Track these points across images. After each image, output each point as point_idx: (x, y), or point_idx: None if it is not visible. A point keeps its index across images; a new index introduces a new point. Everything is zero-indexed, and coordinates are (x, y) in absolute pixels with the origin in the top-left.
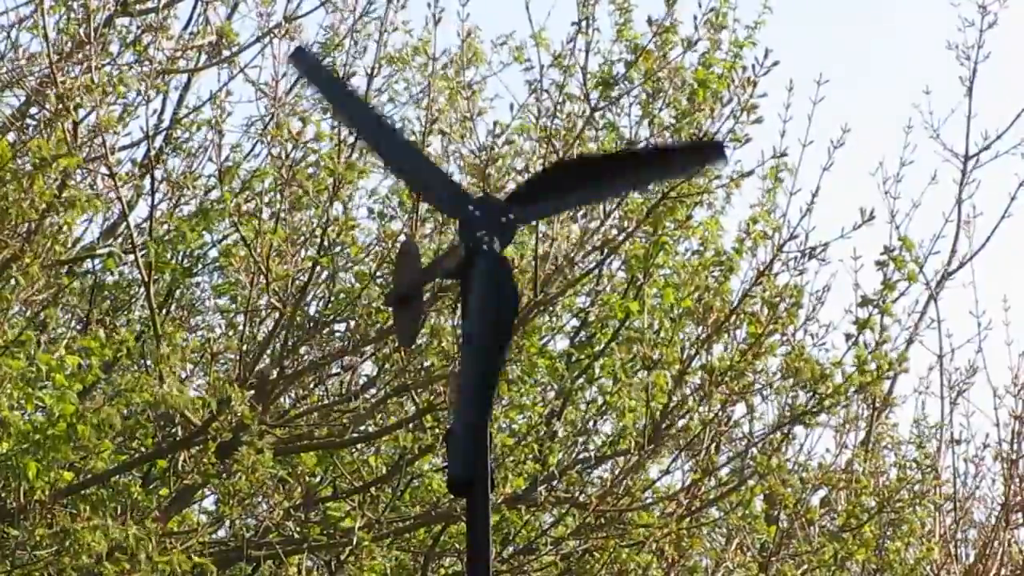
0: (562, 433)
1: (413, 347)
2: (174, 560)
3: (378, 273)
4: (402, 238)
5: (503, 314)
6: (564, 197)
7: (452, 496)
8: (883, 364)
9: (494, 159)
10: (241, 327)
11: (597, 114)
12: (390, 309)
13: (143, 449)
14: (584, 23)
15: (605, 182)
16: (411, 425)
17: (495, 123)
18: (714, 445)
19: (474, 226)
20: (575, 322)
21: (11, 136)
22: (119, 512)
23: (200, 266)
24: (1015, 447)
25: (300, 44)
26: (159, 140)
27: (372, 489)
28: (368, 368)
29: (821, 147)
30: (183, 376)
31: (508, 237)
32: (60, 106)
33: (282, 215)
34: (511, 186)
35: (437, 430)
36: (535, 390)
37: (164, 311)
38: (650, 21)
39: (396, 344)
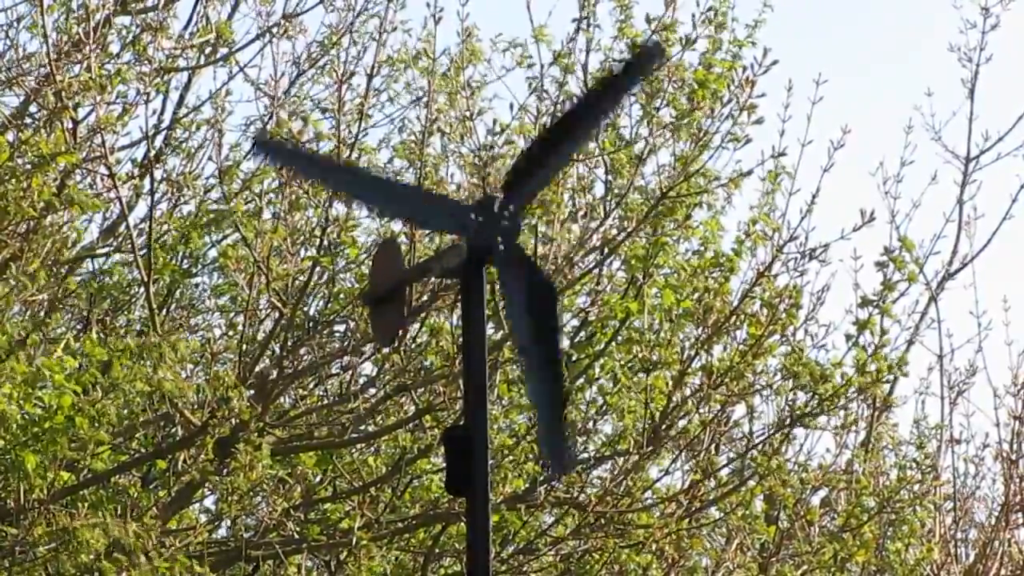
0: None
1: (408, 346)
2: (176, 569)
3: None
4: (389, 237)
5: (544, 302)
6: (546, 163)
7: (451, 496)
8: (883, 367)
9: (494, 159)
10: (241, 327)
11: None
12: (367, 309)
13: (142, 449)
14: (585, 21)
15: (574, 130)
16: (411, 425)
17: (495, 121)
18: (714, 446)
19: (479, 231)
20: (575, 322)
21: (10, 135)
22: (118, 512)
23: (200, 266)
24: (1015, 447)
25: (255, 136)
26: (159, 140)
27: (372, 489)
28: (368, 368)
29: (821, 147)
30: (184, 376)
31: (515, 229)
32: (59, 104)
33: (282, 215)
34: None
35: (436, 430)
36: None
37: (164, 311)
38: (648, 19)
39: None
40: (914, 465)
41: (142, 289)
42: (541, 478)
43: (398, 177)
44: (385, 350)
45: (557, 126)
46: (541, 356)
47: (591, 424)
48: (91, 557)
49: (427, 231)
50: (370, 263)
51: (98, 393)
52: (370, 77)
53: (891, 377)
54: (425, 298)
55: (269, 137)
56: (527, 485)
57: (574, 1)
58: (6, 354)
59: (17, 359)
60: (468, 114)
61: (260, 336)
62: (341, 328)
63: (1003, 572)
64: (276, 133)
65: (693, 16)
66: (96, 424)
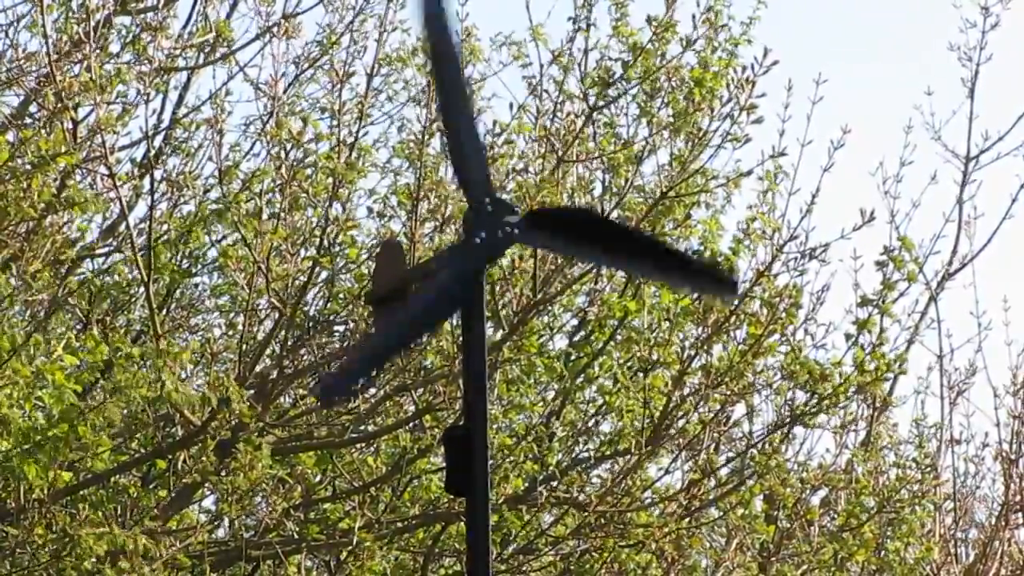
0: (561, 433)
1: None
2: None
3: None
4: (391, 237)
5: (443, 304)
6: (570, 244)
7: (451, 496)
8: (882, 365)
9: (494, 159)
10: (241, 327)
11: (595, 114)
12: (369, 308)
13: (143, 449)
14: (582, 19)
15: (615, 255)
16: (410, 425)
17: (494, 122)
18: (713, 445)
19: (479, 218)
20: (574, 322)
21: (10, 135)
22: (118, 512)
23: (200, 266)
24: (1015, 447)
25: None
26: (158, 140)
27: (372, 489)
28: None
29: (821, 147)
30: (183, 376)
31: (503, 245)
32: (59, 105)
33: (282, 215)
34: (511, 186)
35: (436, 430)
36: (534, 390)
37: (164, 311)
38: (649, 20)
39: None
40: (914, 465)
41: (142, 289)
42: (542, 476)
43: (396, 176)
44: None
45: (610, 227)
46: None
47: (591, 424)
48: (93, 562)
49: (425, 236)
50: (373, 264)
51: (100, 395)
52: (370, 77)
53: (891, 375)
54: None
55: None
56: (527, 485)
57: (573, 1)
58: (9, 355)
59: (20, 362)
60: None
61: (260, 336)
62: (341, 328)
63: (1003, 572)
64: (276, 134)
65: (693, 16)
66: (99, 430)
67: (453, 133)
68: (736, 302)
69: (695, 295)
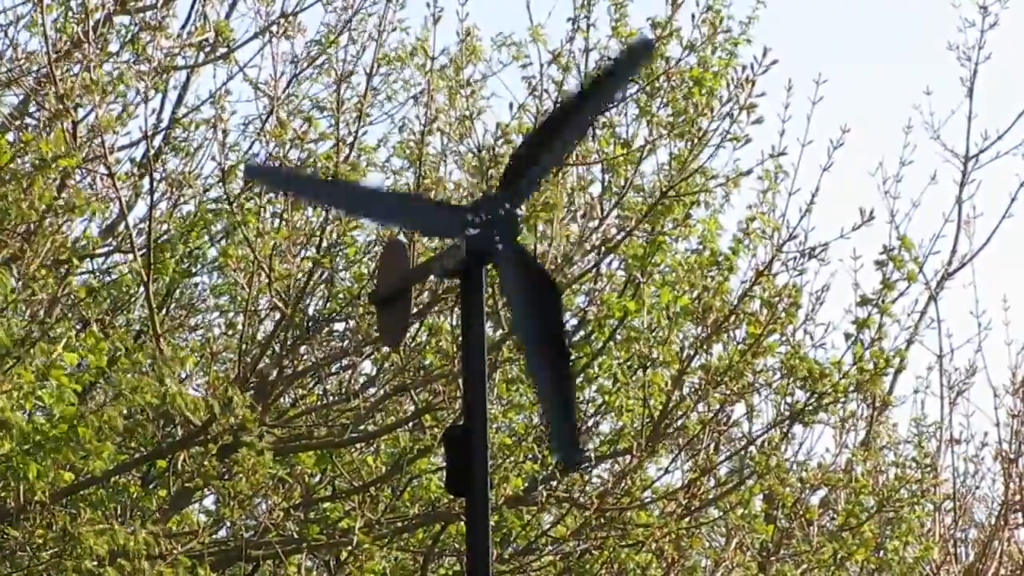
0: None
1: (408, 346)
2: (179, 571)
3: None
4: (396, 237)
5: (547, 298)
6: (540, 161)
7: (451, 496)
8: (880, 361)
9: (496, 160)
10: (241, 327)
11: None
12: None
13: (143, 450)
14: (581, 19)
15: (566, 127)
16: (410, 425)
17: (497, 124)
18: (713, 445)
19: (479, 235)
20: (574, 321)
21: (10, 136)
22: (118, 512)
23: (200, 266)
24: (1014, 447)
25: (246, 166)
26: (158, 140)
27: (372, 489)
28: (368, 368)
29: (821, 147)
30: (183, 376)
31: (514, 227)
32: (59, 105)
33: (283, 215)
34: None
35: (436, 430)
36: (534, 390)
37: (164, 311)
38: (654, 24)
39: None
40: (913, 464)
41: (142, 289)
42: (542, 477)
43: (396, 176)
44: (385, 350)
45: (549, 123)
46: (549, 353)
47: (590, 423)
48: (94, 563)
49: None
50: (377, 264)
51: (100, 397)
52: (369, 76)
53: (890, 371)
54: (425, 298)
55: (260, 164)
56: (527, 485)
57: (572, 1)
58: (15, 360)
59: (24, 367)
60: (468, 114)
61: (260, 336)
62: (341, 328)
63: (1002, 572)
64: (277, 134)
65: (693, 17)
66: (101, 435)
67: (389, 219)
68: (736, 302)
69: (632, 76)
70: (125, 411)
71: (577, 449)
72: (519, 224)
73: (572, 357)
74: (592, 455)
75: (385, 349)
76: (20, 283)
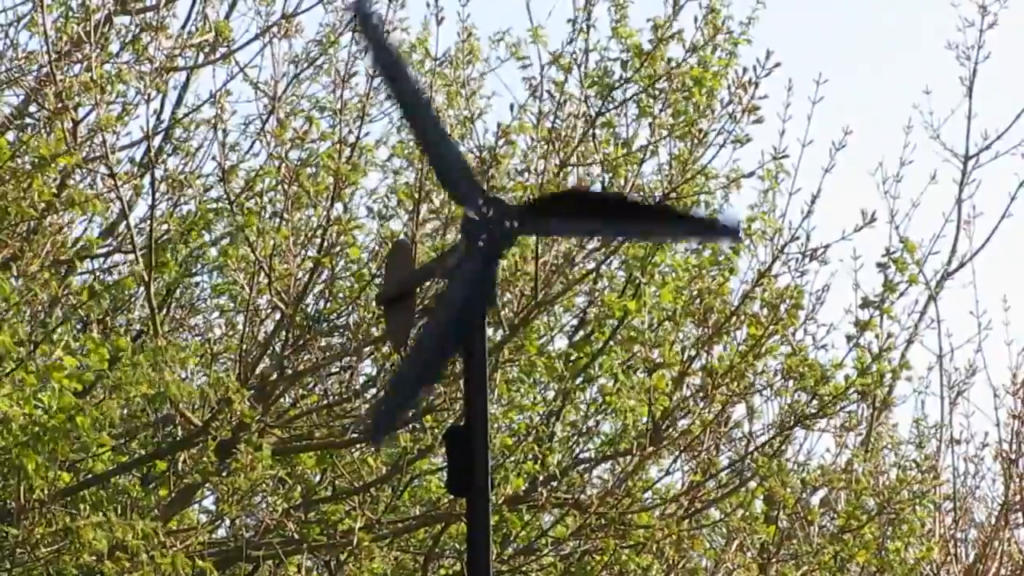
0: (561, 433)
1: (409, 347)
2: (176, 562)
3: (377, 273)
4: (402, 237)
5: (465, 315)
6: (571, 224)
7: (452, 496)
8: (883, 368)
9: (498, 160)
10: (241, 327)
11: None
12: (380, 309)
13: (143, 450)
14: (581, 20)
15: (614, 222)
16: (410, 425)
17: (498, 125)
18: (714, 446)
19: (479, 223)
20: (574, 322)
21: (10, 135)
22: (118, 512)
23: (200, 266)
24: (1015, 447)
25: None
26: (158, 139)
27: (372, 489)
28: (368, 368)
29: (821, 147)
30: (183, 376)
31: (508, 242)
32: (59, 105)
33: (284, 215)
34: (510, 185)
35: (437, 430)
36: (534, 390)
37: (164, 311)
38: (656, 26)
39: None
40: (914, 465)
41: (142, 289)
42: (542, 477)
43: (396, 176)
44: (386, 350)
45: (608, 200)
46: (443, 335)
47: (591, 424)
48: (93, 558)
49: (425, 230)
50: (375, 264)
51: (100, 393)
52: (370, 76)
53: (893, 380)
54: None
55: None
56: (527, 485)
57: (572, 2)
58: (16, 363)
59: (27, 369)
60: (468, 114)
61: (261, 336)
62: (342, 328)
63: (1003, 572)
64: (279, 134)
65: (695, 19)
66: (99, 427)
67: (428, 147)
68: (737, 303)
69: (700, 243)
70: (124, 406)
71: (384, 432)
72: (513, 240)
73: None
74: (591, 455)
75: (386, 349)
76: (20, 283)
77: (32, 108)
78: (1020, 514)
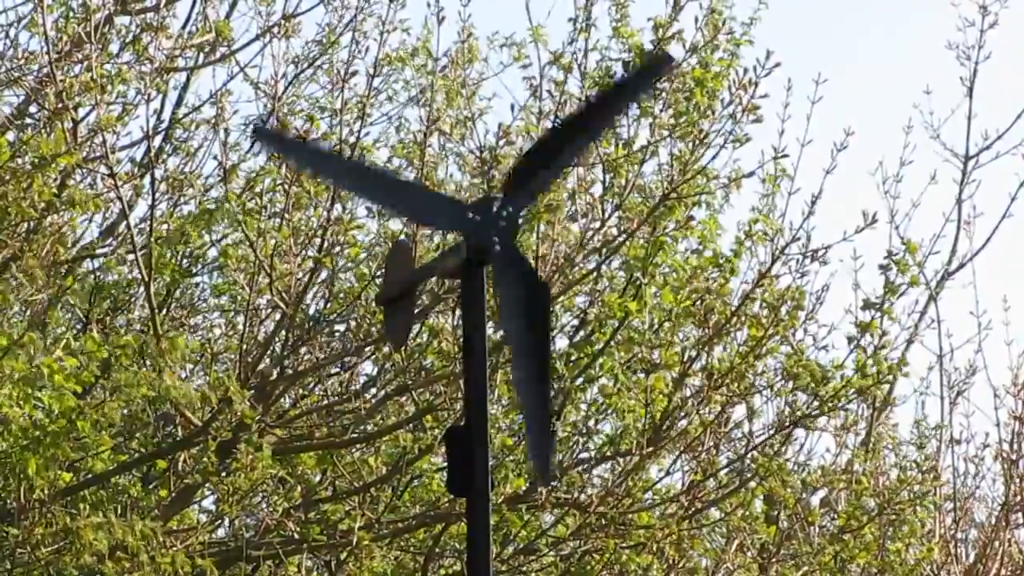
0: (562, 433)
1: (408, 347)
2: (176, 560)
3: (378, 273)
4: (402, 238)
5: (537, 306)
6: (547, 167)
7: (452, 496)
8: (883, 368)
9: (498, 160)
10: (241, 327)
11: None
12: (380, 309)
13: (143, 449)
14: (582, 20)
15: (576, 136)
16: (411, 425)
17: (499, 125)
18: (714, 446)
19: (478, 231)
20: (574, 322)
21: (10, 135)
22: (118, 512)
23: (200, 266)
24: (1015, 447)
25: (254, 126)
26: (158, 139)
27: (372, 489)
28: (368, 368)
29: (820, 146)
30: (183, 376)
31: (513, 230)
32: (60, 105)
33: (284, 215)
34: None
35: (437, 430)
36: None
37: (164, 311)
38: (657, 27)
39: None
40: (914, 465)
41: (142, 289)
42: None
43: (398, 174)
44: (386, 350)
45: (559, 130)
46: (531, 357)
47: (591, 424)
48: (93, 558)
49: (427, 229)
50: (383, 264)
51: (100, 394)
52: (371, 76)
53: (890, 378)
54: (425, 300)
55: (270, 128)
56: (527, 485)
57: (572, 1)
58: (3, 352)
59: (16, 358)
60: (468, 114)
61: (261, 336)
62: (341, 328)
63: (1003, 572)
64: (280, 133)
65: (696, 19)
66: (99, 428)
67: (393, 203)
68: (737, 304)
69: (648, 91)
70: (124, 407)
71: (549, 466)
72: (518, 228)
73: (565, 362)
74: (590, 455)
75: (386, 349)
76: (18, 283)
77: (32, 108)
78: (1020, 514)
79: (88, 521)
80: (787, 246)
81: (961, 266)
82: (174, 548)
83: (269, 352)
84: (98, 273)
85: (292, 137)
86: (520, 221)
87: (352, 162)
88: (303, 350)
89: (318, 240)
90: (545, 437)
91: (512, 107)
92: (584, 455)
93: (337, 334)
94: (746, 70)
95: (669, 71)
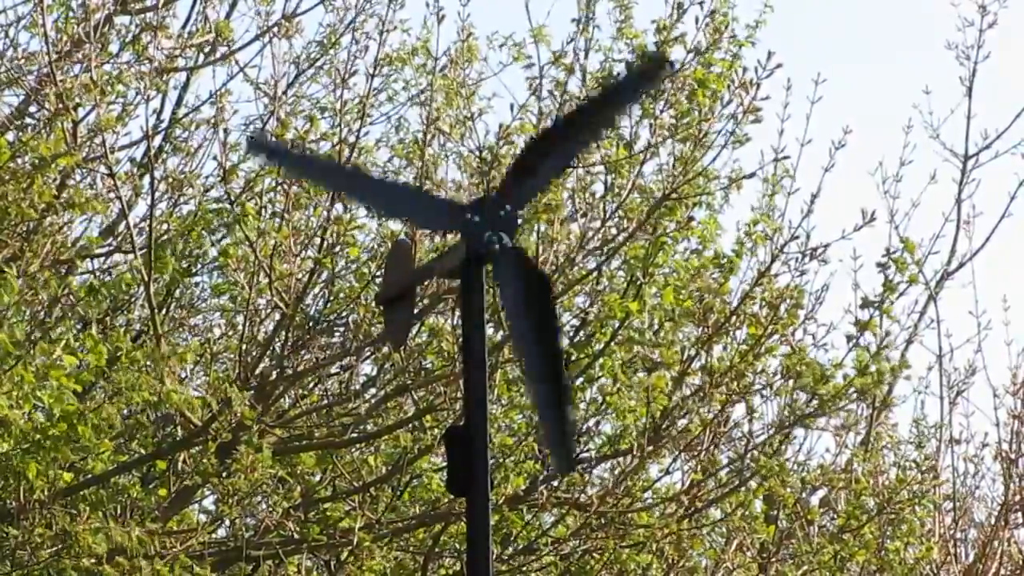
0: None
1: (408, 347)
2: (176, 570)
3: (377, 273)
4: (402, 237)
5: (542, 301)
6: (545, 166)
7: (452, 496)
8: (883, 368)
9: (499, 160)
10: (241, 327)
11: None
12: (380, 309)
13: (143, 450)
14: (584, 20)
15: (576, 135)
16: (411, 425)
17: (500, 125)
18: (714, 446)
19: (477, 231)
20: (575, 322)
21: (10, 135)
22: (118, 512)
23: (200, 266)
24: (1015, 447)
25: (250, 136)
26: (158, 139)
27: (372, 489)
28: (368, 368)
29: (820, 146)
30: (183, 376)
31: (512, 229)
32: (60, 105)
33: (285, 215)
34: None
35: (437, 430)
36: None
37: (164, 311)
38: (659, 28)
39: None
40: (913, 465)
41: (142, 289)
42: (542, 477)
43: (397, 176)
44: (385, 350)
45: (558, 128)
46: (541, 355)
47: (591, 424)
48: (92, 561)
49: (426, 231)
50: (383, 264)
51: (100, 396)
52: (371, 77)
53: (891, 378)
54: (425, 300)
55: (264, 136)
56: (527, 485)
57: (574, 1)
58: (15, 360)
59: (25, 367)
60: (468, 114)
61: (261, 336)
62: (341, 328)
63: (1003, 572)
64: (279, 133)
65: (697, 19)
66: (99, 432)
67: (392, 208)
68: (737, 303)
69: (644, 93)
70: (124, 409)
71: (571, 456)
72: (516, 225)
73: (569, 359)
74: (591, 455)
75: (385, 349)
76: (20, 281)
77: (32, 108)
78: (1020, 514)
79: (87, 525)
80: (786, 244)
81: (960, 266)
82: (174, 550)
83: (269, 352)
84: (100, 273)
85: (287, 146)
86: (519, 220)
87: (349, 168)
88: (303, 350)
89: (318, 240)
90: (565, 426)
91: (512, 107)
92: (584, 455)
93: (337, 334)
94: (745, 69)
95: (667, 75)
